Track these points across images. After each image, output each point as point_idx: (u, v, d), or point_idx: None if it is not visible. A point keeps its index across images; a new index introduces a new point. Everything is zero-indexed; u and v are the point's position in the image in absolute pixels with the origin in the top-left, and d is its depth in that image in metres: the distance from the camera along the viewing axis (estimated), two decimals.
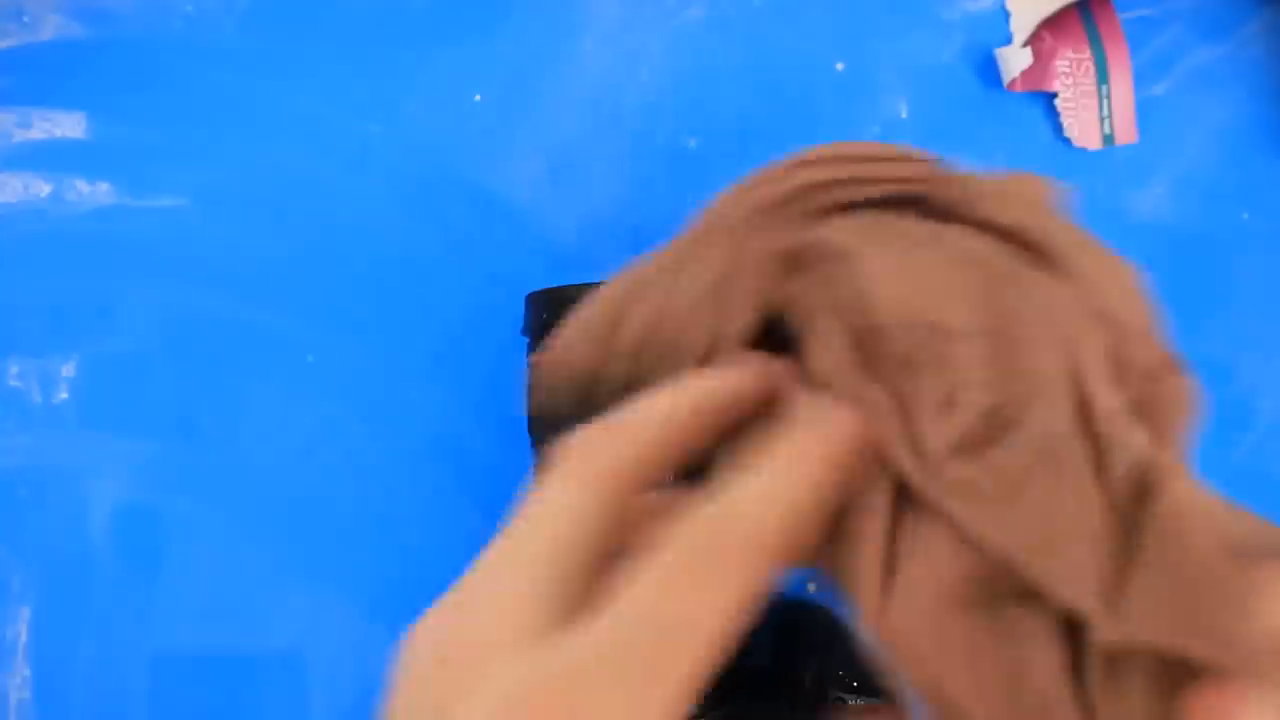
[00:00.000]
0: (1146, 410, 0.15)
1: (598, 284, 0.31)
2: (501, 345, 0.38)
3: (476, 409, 0.38)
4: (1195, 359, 0.38)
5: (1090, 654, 0.13)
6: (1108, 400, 0.14)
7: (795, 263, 0.17)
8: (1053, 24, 0.39)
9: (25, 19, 0.39)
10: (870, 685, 0.30)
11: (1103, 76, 0.39)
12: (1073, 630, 0.13)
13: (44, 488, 0.37)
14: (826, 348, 0.16)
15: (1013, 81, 0.38)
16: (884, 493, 0.15)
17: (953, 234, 0.17)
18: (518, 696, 0.13)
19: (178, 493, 0.37)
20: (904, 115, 0.39)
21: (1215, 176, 0.39)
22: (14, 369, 0.38)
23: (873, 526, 0.15)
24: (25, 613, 0.36)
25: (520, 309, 0.35)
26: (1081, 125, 0.39)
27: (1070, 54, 0.39)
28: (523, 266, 0.39)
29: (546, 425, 0.24)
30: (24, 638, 0.36)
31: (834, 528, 0.15)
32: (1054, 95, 0.39)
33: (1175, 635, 0.12)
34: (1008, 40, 0.39)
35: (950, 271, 0.16)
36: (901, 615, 0.14)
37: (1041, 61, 0.38)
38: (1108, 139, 0.39)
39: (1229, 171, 0.39)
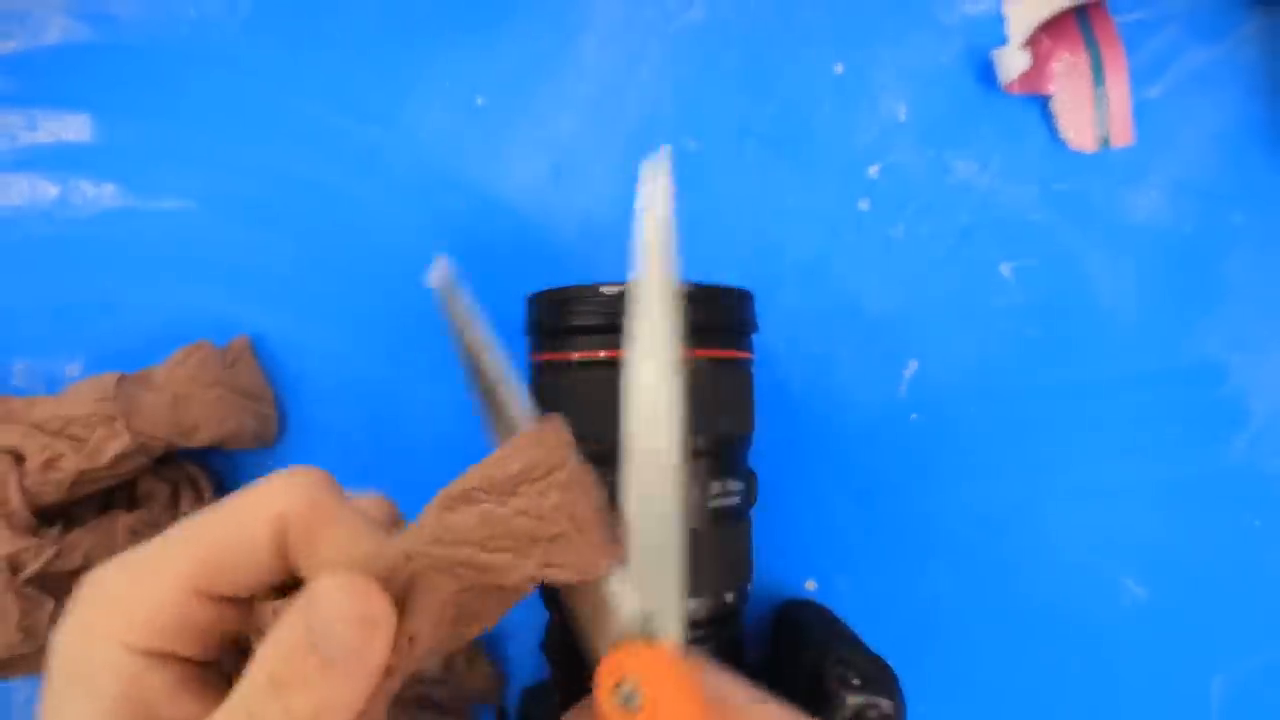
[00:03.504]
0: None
1: (597, 284, 0.31)
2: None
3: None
4: (1190, 359, 0.39)
5: None
6: None
7: None
8: (1049, 27, 0.39)
9: (30, 22, 0.39)
10: (870, 682, 0.30)
11: (1099, 79, 0.39)
12: None
13: None
14: None
15: (1010, 84, 0.39)
16: None
17: None
18: None
19: None
20: (902, 117, 0.40)
21: (1211, 178, 0.39)
22: (19, 369, 0.38)
23: None
24: None
25: (520, 309, 0.35)
26: (1077, 127, 0.39)
27: (1066, 56, 0.39)
28: (523, 267, 0.39)
29: None
30: None
31: None
32: (1050, 97, 0.39)
33: None
34: (1005, 43, 0.40)
35: None
36: None
37: (1038, 64, 0.39)
38: (1104, 141, 0.39)
39: (1225, 173, 0.39)
